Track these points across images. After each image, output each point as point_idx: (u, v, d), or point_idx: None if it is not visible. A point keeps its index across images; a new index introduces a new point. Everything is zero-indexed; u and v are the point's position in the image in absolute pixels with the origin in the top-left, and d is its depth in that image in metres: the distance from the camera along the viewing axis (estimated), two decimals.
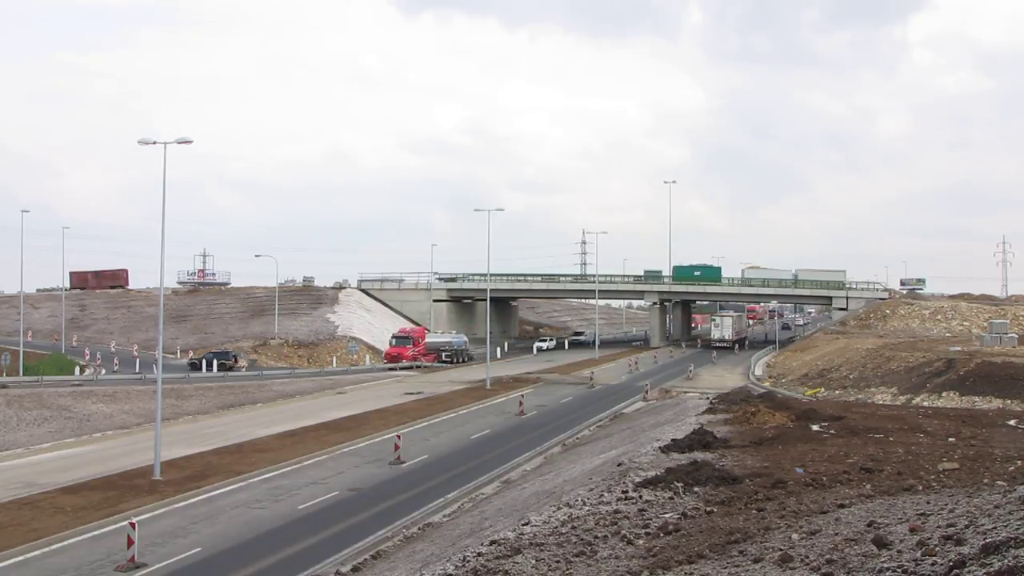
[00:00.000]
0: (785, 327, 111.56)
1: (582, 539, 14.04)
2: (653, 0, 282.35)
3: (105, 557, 20.81)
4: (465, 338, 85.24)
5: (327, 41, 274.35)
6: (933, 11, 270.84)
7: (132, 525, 20.44)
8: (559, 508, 17.58)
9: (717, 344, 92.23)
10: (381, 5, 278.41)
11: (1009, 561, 7.60)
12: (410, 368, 71.48)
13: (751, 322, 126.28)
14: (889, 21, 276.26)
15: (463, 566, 13.63)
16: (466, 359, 79.57)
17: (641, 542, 13.35)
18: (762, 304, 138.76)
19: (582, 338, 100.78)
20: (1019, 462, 19.65)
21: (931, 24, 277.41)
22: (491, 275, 75.00)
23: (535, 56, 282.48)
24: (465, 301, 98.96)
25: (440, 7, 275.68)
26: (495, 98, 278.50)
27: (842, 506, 14.38)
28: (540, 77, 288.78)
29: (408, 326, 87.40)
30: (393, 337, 78.82)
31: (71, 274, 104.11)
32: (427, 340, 78.85)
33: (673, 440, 26.17)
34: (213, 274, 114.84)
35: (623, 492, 18.16)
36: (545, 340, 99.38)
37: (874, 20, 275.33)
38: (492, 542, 15.07)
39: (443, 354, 77.94)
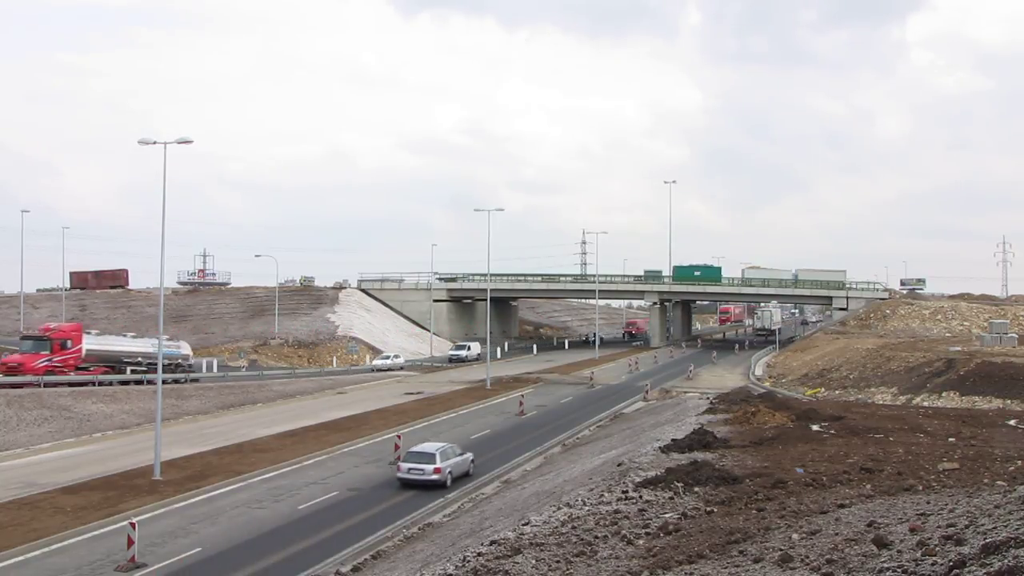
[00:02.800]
0: (804, 323, 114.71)
1: (582, 539, 14.04)
2: (651, 0, 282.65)
3: (105, 557, 20.81)
4: (186, 349, 60.29)
5: (325, 41, 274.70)
6: (931, 11, 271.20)
7: (132, 525, 20.46)
8: (559, 508, 17.58)
9: (760, 332, 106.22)
10: (379, 5, 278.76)
11: (1009, 561, 7.59)
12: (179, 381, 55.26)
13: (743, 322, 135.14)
14: (887, 21, 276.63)
15: (463, 566, 13.63)
16: (184, 379, 55.94)
17: (641, 542, 13.35)
18: (739, 304, 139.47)
19: (463, 353, 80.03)
20: (1019, 462, 19.66)
21: (929, 24, 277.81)
22: (491, 275, 74.99)
23: (533, 56, 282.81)
24: (465, 301, 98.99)
25: (437, 7, 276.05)
26: (493, 98, 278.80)
27: (842, 506, 14.38)
28: (538, 77, 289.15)
29: (54, 323, 60.13)
30: (22, 337, 56.11)
31: (71, 274, 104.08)
32: (88, 345, 52.79)
33: (673, 440, 26.18)
34: (213, 274, 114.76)
35: (623, 492, 18.16)
36: (464, 348, 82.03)
37: (872, 20, 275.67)
38: (492, 542, 15.08)
39: (129, 367, 53.88)
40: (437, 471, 28.97)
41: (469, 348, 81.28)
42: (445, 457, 29.52)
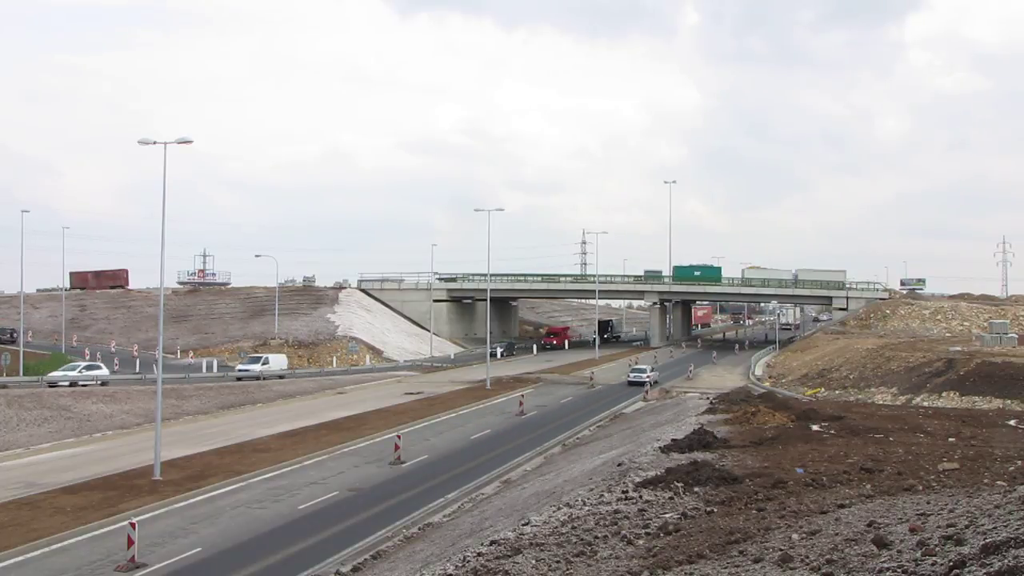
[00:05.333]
0: (815, 320, 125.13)
1: (582, 539, 14.03)
2: (649, 1, 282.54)
3: (105, 557, 20.81)
4: None
5: (324, 41, 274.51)
6: (929, 11, 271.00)
7: (132, 525, 20.45)
8: (559, 508, 17.58)
9: (783, 327, 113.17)
10: (376, 5, 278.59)
11: (1009, 561, 7.59)
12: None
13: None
14: (885, 21, 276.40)
15: (463, 566, 13.62)
16: None
17: (641, 542, 13.34)
18: (704, 305, 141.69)
19: (255, 368, 62.45)
20: (1019, 462, 19.66)
21: (927, 24, 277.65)
22: (491, 275, 74.97)
23: (531, 56, 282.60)
24: (465, 301, 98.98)
25: (435, 8, 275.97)
26: (492, 98, 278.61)
27: (842, 506, 14.37)
28: (537, 77, 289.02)
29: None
30: None
31: (71, 274, 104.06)
32: None
33: (673, 440, 26.18)
34: (213, 274, 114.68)
35: (623, 492, 18.15)
36: (258, 360, 64.41)
37: (870, 20, 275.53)
38: (492, 542, 15.07)
39: None
40: (648, 377, 58.49)
41: (267, 361, 64.40)
42: (651, 371, 60.76)
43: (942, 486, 16.40)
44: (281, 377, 63.47)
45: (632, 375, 60.33)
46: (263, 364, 64.03)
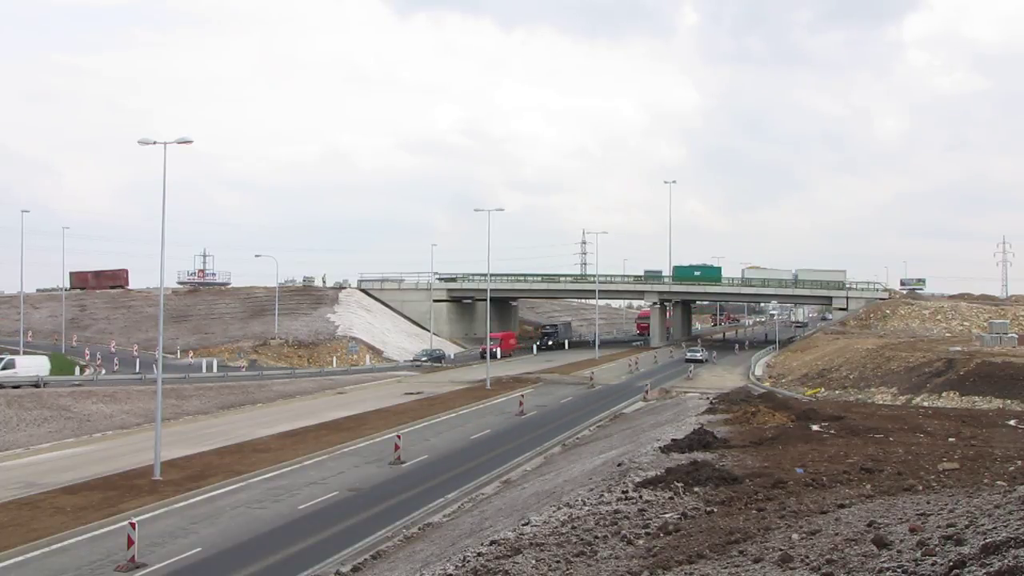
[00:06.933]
0: (822, 318, 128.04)
1: (582, 539, 14.02)
2: (648, 1, 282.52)
3: (105, 557, 20.81)
4: None
5: (323, 41, 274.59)
6: (928, 11, 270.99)
7: (132, 525, 20.45)
8: (559, 508, 17.57)
9: (793, 323, 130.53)
10: (375, 6, 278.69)
11: (1009, 561, 7.58)
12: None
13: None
14: (884, 21, 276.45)
15: (463, 566, 13.62)
16: None
17: (641, 542, 13.33)
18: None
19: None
20: (1019, 462, 19.65)
21: (926, 24, 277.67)
22: (491, 275, 74.91)
23: (530, 56, 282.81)
24: (465, 301, 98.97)
25: (434, 8, 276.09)
26: (491, 98, 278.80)
27: (842, 506, 14.36)
28: (535, 77, 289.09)
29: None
30: None
31: (71, 274, 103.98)
32: None
33: (673, 440, 26.17)
34: (213, 274, 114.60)
35: (623, 492, 18.14)
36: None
37: (869, 20, 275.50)
38: (492, 542, 15.06)
39: None
40: (702, 356, 75.95)
41: (11, 364, 50.71)
42: (702, 351, 77.69)
43: (942, 486, 16.39)
44: (36, 386, 48.63)
45: (689, 353, 76.84)
46: (4, 368, 49.73)
